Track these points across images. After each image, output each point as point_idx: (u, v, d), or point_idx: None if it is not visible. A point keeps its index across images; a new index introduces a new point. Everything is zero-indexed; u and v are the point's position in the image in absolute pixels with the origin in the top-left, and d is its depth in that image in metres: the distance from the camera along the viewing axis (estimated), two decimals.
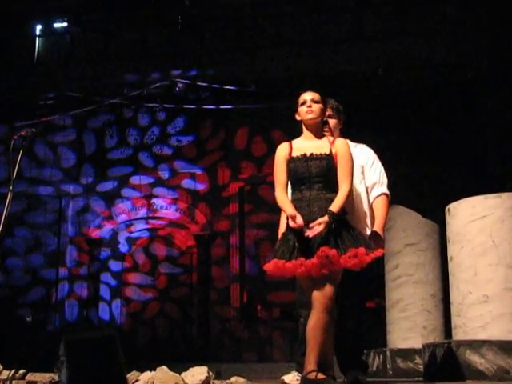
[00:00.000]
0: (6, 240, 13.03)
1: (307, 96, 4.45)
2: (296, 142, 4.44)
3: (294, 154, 4.35)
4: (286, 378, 4.49)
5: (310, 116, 4.38)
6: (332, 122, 4.81)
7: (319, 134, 4.45)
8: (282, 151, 4.39)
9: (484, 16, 9.95)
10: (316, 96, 4.45)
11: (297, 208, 4.20)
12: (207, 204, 13.38)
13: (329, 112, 4.78)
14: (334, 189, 4.24)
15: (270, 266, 4.14)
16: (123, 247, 13.86)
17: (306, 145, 4.38)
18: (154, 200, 13.52)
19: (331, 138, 4.43)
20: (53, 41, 12.69)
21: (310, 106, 4.39)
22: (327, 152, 4.30)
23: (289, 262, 4.07)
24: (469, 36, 10.05)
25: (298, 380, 4.46)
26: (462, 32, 10.07)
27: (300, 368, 4.56)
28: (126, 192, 13.72)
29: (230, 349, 12.59)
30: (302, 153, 4.32)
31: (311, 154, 4.30)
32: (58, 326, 13.09)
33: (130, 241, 13.93)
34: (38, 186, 13.84)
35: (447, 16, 10.26)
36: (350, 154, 4.39)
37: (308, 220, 4.12)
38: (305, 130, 4.46)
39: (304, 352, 4.54)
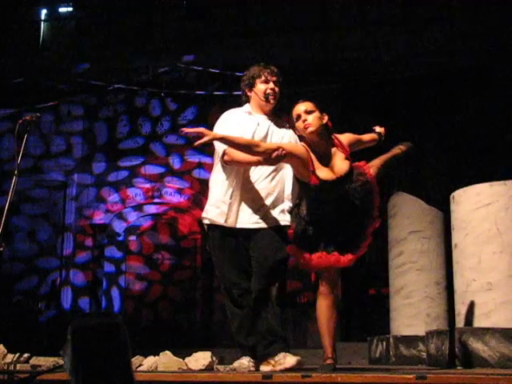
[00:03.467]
0: (9, 223, 13.04)
1: (300, 109, 4.15)
2: (314, 160, 4.10)
3: (322, 176, 4.07)
4: (242, 364, 4.36)
5: (310, 129, 4.09)
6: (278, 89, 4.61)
7: (329, 142, 4.17)
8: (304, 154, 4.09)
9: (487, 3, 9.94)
10: (309, 106, 4.14)
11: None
12: None
13: (275, 78, 4.60)
14: None
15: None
16: (127, 232, 13.86)
17: (324, 163, 4.11)
18: (161, 186, 13.51)
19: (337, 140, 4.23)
20: (58, 25, 12.67)
21: (305, 120, 4.10)
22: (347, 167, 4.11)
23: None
24: (474, 23, 10.02)
25: (253, 366, 4.35)
26: (468, 19, 10.05)
27: (248, 351, 4.51)
28: (132, 179, 13.70)
29: (232, 335, 12.59)
30: (330, 176, 4.07)
31: (341, 177, 4.10)
32: (58, 311, 13.10)
33: (135, 226, 13.93)
34: (44, 170, 13.84)
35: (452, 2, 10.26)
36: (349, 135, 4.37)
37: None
38: (312, 144, 4.14)
39: (250, 332, 4.57)
